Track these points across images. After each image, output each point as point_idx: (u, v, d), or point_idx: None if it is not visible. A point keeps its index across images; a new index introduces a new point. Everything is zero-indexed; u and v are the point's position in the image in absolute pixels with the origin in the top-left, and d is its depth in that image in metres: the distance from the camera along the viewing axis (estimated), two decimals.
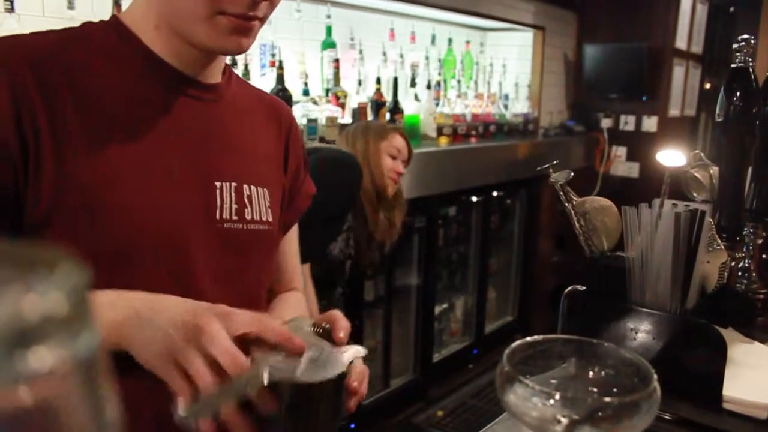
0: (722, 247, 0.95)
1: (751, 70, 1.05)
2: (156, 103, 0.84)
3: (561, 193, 0.92)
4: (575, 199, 0.96)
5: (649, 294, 0.86)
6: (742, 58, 1.04)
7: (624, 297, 0.89)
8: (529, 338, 0.60)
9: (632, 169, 4.66)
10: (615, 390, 0.59)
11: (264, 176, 0.94)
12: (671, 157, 1.01)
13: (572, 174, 0.92)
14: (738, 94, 1.04)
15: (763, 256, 1.36)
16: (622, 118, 4.66)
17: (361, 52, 3.20)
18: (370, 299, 3.07)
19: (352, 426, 2.81)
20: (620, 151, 4.70)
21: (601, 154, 4.67)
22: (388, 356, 3.17)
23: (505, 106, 4.16)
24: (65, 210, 0.75)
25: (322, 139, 2.81)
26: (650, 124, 4.57)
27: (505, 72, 4.27)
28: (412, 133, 3.26)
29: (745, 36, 1.04)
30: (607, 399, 0.55)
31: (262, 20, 0.82)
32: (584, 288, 0.93)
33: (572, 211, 0.93)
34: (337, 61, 3.00)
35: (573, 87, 4.81)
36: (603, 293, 0.91)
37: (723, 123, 1.07)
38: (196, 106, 0.88)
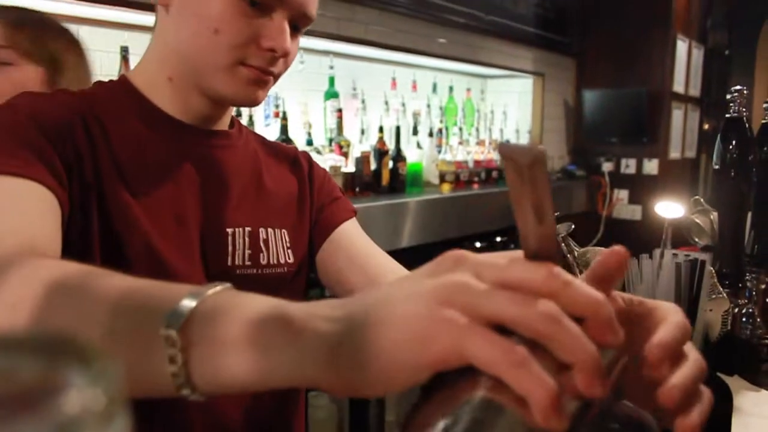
0: (724, 295, 0.96)
1: (744, 119, 1.08)
2: (167, 156, 0.85)
3: (563, 245, 0.93)
4: (576, 249, 0.97)
5: None
6: (736, 108, 1.06)
7: None
8: None
9: (635, 212, 4.67)
10: None
11: (283, 218, 0.93)
12: (670, 207, 1.03)
13: (573, 226, 0.94)
14: (734, 143, 1.06)
15: (767, 301, 1.37)
16: (623, 161, 4.70)
17: (363, 101, 3.26)
18: None
19: None
20: (622, 195, 4.72)
21: (603, 198, 4.69)
22: None
23: None
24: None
25: None
26: (651, 166, 4.60)
27: (506, 118, 4.33)
28: (415, 181, 3.30)
29: (738, 87, 1.07)
30: None
31: (276, 77, 0.85)
32: None
33: (574, 263, 0.94)
34: (340, 110, 3.05)
35: (573, 132, 4.87)
36: None
37: (720, 171, 1.09)
38: (208, 154, 0.88)
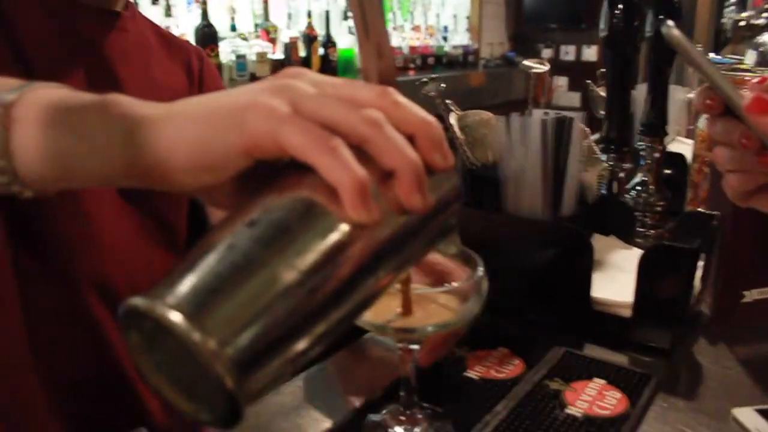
0: (599, 156, 0.98)
1: None
2: (59, 46, 0.79)
3: (441, 105, 0.93)
4: (457, 112, 0.97)
5: (522, 203, 0.89)
6: None
7: (501, 207, 0.91)
8: None
9: (574, 99, 4.69)
10: None
11: None
12: (536, 63, 1.03)
13: (444, 85, 0.93)
14: (619, 7, 1.06)
15: (666, 171, 1.41)
16: (563, 48, 4.68)
17: None
18: None
19: None
20: (561, 82, 4.73)
21: (543, 85, 4.68)
22: None
23: (444, 39, 4.13)
24: None
25: (252, 76, 2.77)
26: (590, 53, 4.59)
27: (443, 3, 4.23)
28: (348, 68, 3.24)
29: None
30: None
31: None
32: (464, 201, 0.96)
33: (453, 124, 0.94)
34: None
35: (513, 18, 4.80)
36: (478, 204, 0.93)
37: (607, 38, 1.08)
38: (97, 36, 0.81)
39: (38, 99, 0.43)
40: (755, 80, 0.50)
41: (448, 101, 0.95)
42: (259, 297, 0.32)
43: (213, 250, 0.33)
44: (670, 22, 0.50)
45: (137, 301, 0.31)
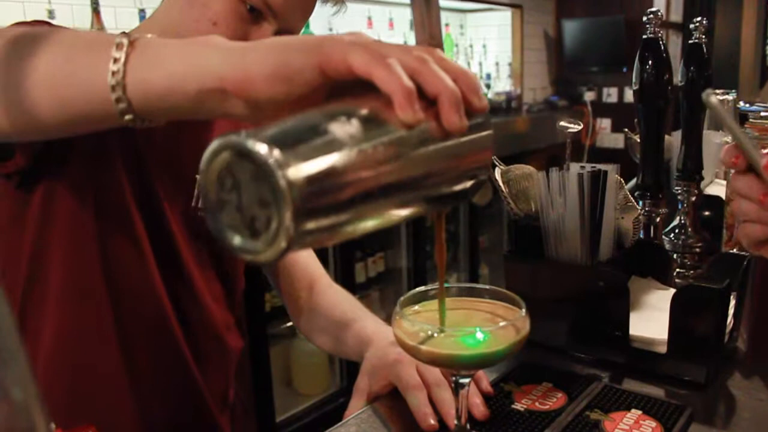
0: (634, 203, 1.05)
1: (660, 40, 1.15)
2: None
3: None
4: (501, 166, 1.05)
5: (563, 250, 0.97)
6: (652, 29, 1.14)
7: (543, 254, 0.99)
8: (422, 287, 0.71)
9: (618, 141, 4.73)
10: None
11: None
12: (570, 123, 1.11)
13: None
14: (650, 63, 1.14)
15: (705, 213, 1.46)
16: (605, 90, 4.74)
17: None
18: (361, 281, 3.17)
19: None
20: (605, 123, 4.78)
21: (587, 128, 4.75)
22: None
23: (488, 86, 4.24)
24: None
25: None
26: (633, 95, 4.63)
27: (485, 52, 4.36)
28: None
29: (653, 9, 1.14)
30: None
31: None
32: (509, 249, 1.04)
33: (497, 178, 1.03)
34: None
35: (554, 63, 4.89)
36: (523, 251, 1.01)
37: (639, 91, 1.16)
38: None
39: (148, 38, 0.55)
40: None
41: (493, 156, 1.04)
42: (327, 147, 0.41)
43: (294, 119, 0.43)
44: (710, 90, 0.59)
45: (231, 136, 0.40)
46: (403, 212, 0.48)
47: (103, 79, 0.54)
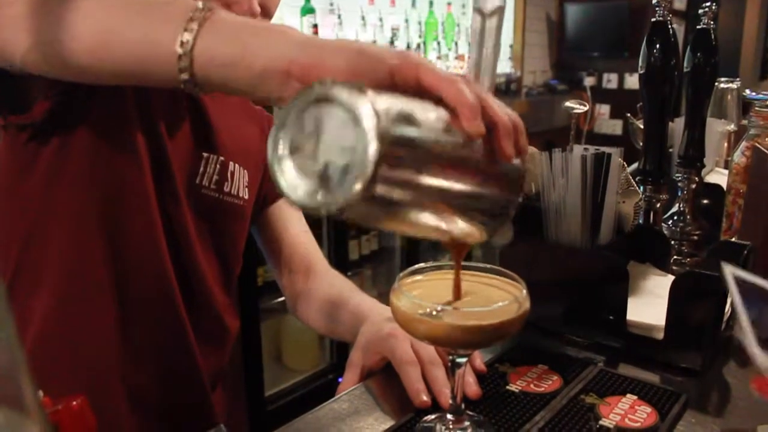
0: (635, 187, 1.04)
1: (669, 23, 1.13)
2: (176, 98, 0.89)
3: None
4: None
5: (562, 232, 0.95)
6: (661, 12, 1.12)
7: (542, 236, 0.98)
8: (419, 264, 0.69)
9: (616, 127, 4.72)
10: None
11: (246, 159, 1.00)
12: (575, 105, 1.10)
13: None
14: (657, 47, 1.12)
15: (704, 201, 1.45)
16: (605, 76, 4.72)
17: (339, 17, 3.26)
18: (354, 258, 3.16)
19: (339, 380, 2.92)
20: (604, 109, 4.76)
21: (586, 112, 4.72)
22: None
23: None
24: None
25: None
26: (633, 81, 4.62)
27: None
28: None
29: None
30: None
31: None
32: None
33: None
34: (315, 26, 3.06)
35: (555, 46, 4.86)
36: (522, 232, 1.00)
37: (645, 75, 1.15)
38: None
39: (223, 14, 0.57)
40: None
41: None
42: (413, 123, 0.46)
43: (385, 93, 0.46)
44: (730, 266, 0.51)
45: (326, 81, 0.43)
46: (442, 223, 0.53)
47: (170, 43, 0.55)
